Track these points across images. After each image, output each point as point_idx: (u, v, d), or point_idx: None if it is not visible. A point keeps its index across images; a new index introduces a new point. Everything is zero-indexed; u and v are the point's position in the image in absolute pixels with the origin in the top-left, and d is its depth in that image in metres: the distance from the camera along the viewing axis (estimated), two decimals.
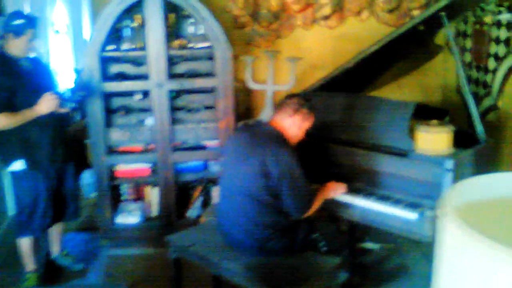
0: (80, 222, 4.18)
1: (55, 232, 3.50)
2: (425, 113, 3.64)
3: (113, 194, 3.85)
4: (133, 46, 3.56)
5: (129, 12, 3.47)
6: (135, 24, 3.55)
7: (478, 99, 3.67)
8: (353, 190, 2.86)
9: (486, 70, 3.57)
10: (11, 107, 2.94)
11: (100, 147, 3.59)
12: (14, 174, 3.11)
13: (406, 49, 3.54)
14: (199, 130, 3.63)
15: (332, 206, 2.84)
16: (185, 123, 3.68)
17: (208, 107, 3.72)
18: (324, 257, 2.66)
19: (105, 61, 3.54)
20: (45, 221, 3.22)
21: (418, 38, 3.35)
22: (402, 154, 2.76)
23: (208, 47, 3.53)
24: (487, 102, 3.59)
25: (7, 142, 3.05)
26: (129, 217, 3.79)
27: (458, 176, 2.60)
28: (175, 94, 3.67)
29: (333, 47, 4.03)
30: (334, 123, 3.11)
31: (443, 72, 4.12)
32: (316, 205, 2.68)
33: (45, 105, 2.98)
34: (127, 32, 3.55)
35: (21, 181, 3.12)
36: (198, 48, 3.56)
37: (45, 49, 6.11)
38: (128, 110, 3.68)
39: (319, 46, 4.07)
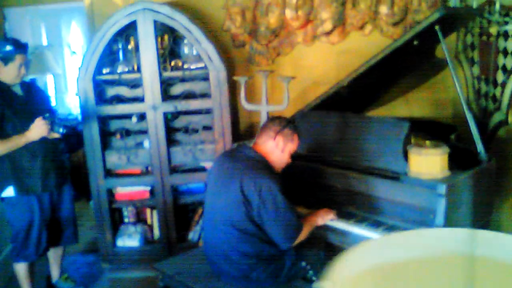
0: (84, 244, 4.20)
1: (54, 256, 3.50)
2: (433, 129, 3.51)
3: (114, 217, 3.83)
4: (128, 69, 3.54)
5: (123, 34, 3.45)
6: (130, 46, 3.53)
7: (487, 114, 3.47)
8: (345, 215, 2.73)
9: (495, 83, 3.38)
10: (2, 133, 2.96)
11: (97, 170, 3.57)
12: (6, 200, 3.12)
13: (409, 63, 3.40)
14: (196, 151, 3.57)
15: (321, 232, 2.71)
16: (183, 145, 3.63)
17: (206, 128, 3.66)
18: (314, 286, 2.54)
19: (100, 84, 3.53)
20: (40, 246, 3.21)
21: (418, 52, 3.20)
22: (394, 177, 2.62)
23: (202, 67, 3.48)
24: (497, 117, 3.39)
25: None
26: (130, 240, 3.75)
27: (453, 201, 2.44)
28: (172, 115, 3.63)
29: (336, 63, 3.90)
30: (327, 144, 2.99)
31: (453, 86, 3.93)
32: (306, 231, 2.57)
33: (36, 130, 2.98)
34: (121, 55, 3.53)
35: (14, 207, 3.13)
36: (192, 69, 3.51)
37: (62, 70, 6.23)
38: (126, 133, 3.66)
39: (322, 62, 3.95)
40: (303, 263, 2.58)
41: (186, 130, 3.64)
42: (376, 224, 2.60)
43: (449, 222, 2.42)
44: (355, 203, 2.76)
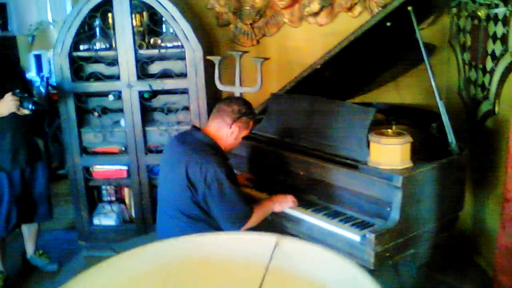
0: (66, 221, 4.22)
1: (28, 232, 3.51)
2: (416, 116, 3.35)
3: (92, 195, 3.82)
4: (106, 46, 3.48)
5: (100, 10, 3.37)
6: (109, 23, 3.47)
7: (476, 102, 3.29)
8: (305, 203, 2.62)
9: (484, 71, 3.18)
10: None
11: (73, 147, 3.55)
12: None
13: (393, 48, 3.24)
14: (172, 132, 3.49)
15: (276, 219, 2.62)
16: (158, 124, 3.56)
17: (185, 109, 3.58)
18: None
19: (77, 61, 3.48)
20: (9, 222, 3.21)
21: (400, 36, 3.03)
22: (354, 166, 2.49)
23: (179, 46, 3.39)
24: (484, 107, 3.20)
25: None
26: (106, 219, 3.74)
27: (411, 194, 2.31)
28: (150, 95, 3.56)
29: (323, 45, 3.71)
30: (295, 128, 2.88)
31: (446, 73, 3.74)
32: (258, 217, 2.47)
33: (5, 106, 2.95)
34: (98, 31, 3.47)
35: None
36: (168, 47, 3.42)
37: None
38: (103, 111, 3.61)
39: (309, 44, 3.80)
40: None
41: (162, 110, 3.57)
42: (333, 215, 2.48)
43: (406, 215, 2.29)
44: (316, 192, 2.65)
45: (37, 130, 5.13)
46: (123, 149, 3.64)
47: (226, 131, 2.45)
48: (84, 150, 3.61)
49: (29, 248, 3.57)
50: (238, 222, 2.38)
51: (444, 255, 3.10)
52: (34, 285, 3.39)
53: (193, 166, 2.31)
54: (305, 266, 1.19)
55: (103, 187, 3.84)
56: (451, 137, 2.58)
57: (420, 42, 2.63)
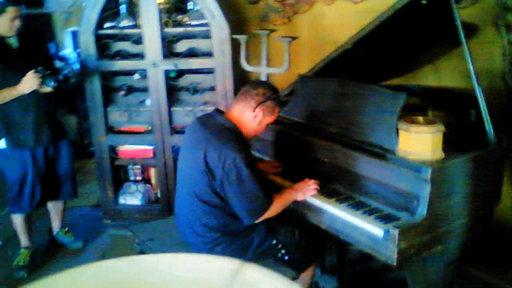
0: (95, 199, 4.23)
1: (54, 209, 3.53)
2: (456, 100, 3.14)
3: (119, 174, 3.80)
4: (132, 24, 3.40)
5: None
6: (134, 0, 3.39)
7: None
8: (328, 191, 2.49)
9: None
10: None
11: (99, 126, 3.52)
12: (1, 152, 3.13)
13: (431, 28, 3.02)
14: (198, 112, 3.41)
15: (299, 209, 2.50)
16: (185, 105, 3.48)
17: (211, 89, 3.49)
18: (282, 268, 2.37)
19: (102, 39, 3.43)
20: (34, 199, 3.23)
21: (434, 15, 2.81)
22: (381, 155, 2.34)
23: (204, 24, 3.28)
24: None
25: None
26: (131, 198, 3.72)
27: (441, 187, 2.14)
28: (177, 74, 3.48)
29: (358, 24, 3.51)
30: (323, 113, 2.74)
31: (489, 56, 3.48)
32: (278, 207, 2.37)
33: (27, 84, 2.94)
34: (125, 8, 3.39)
35: (8, 160, 3.14)
36: (194, 26, 3.32)
37: None
38: (129, 90, 3.56)
39: (342, 23, 3.60)
40: (274, 241, 2.39)
41: (188, 90, 3.48)
42: (357, 206, 2.34)
43: (435, 210, 2.13)
44: (341, 180, 2.51)
45: (70, 107, 5.19)
46: (149, 128, 3.59)
47: (249, 115, 2.33)
48: (110, 129, 3.58)
49: (55, 225, 3.60)
50: (255, 212, 2.28)
51: (479, 250, 2.92)
52: (59, 262, 3.42)
53: (211, 152, 2.21)
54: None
55: (129, 166, 3.82)
56: (488, 126, 2.38)
57: (457, 21, 2.42)
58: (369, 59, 3.20)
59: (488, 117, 2.38)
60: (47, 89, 3.01)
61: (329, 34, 3.66)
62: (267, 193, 2.29)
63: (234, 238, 2.35)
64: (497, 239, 3.22)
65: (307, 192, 2.45)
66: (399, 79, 3.66)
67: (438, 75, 3.62)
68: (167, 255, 1.36)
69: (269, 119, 2.39)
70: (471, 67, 2.43)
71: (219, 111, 2.42)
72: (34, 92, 2.99)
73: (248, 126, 2.35)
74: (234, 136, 2.28)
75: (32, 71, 2.94)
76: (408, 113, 2.39)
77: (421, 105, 3.10)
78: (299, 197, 2.45)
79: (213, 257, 1.29)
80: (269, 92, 2.36)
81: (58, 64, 3.99)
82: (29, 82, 2.93)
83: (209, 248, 2.35)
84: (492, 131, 2.38)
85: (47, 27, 5.86)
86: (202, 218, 2.32)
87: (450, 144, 2.29)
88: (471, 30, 3.10)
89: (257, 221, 2.30)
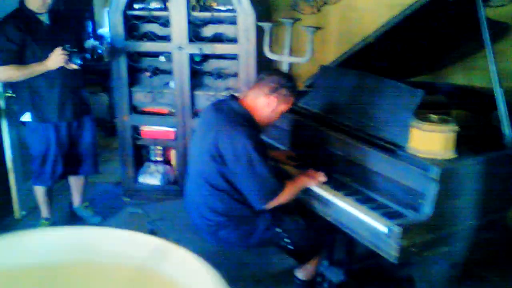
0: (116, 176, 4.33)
1: (75, 184, 3.63)
2: (483, 100, 3.05)
3: (140, 154, 3.87)
4: (161, 6, 3.44)
5: None
6: None
7: None
8: (337, 184, 2.47)
9: None
10: (21, 59, 3.04)
11: (123, 105, 3.59)
12: (26, 124, 3.24)
13: (459, 26, 2.94)
14: (220, 98, 3.43)
15: (305, 198, 2.49)
16: (208, 89, 3.51)
17: (235, 75, 3.50)
18: (285, 256, 2.37)
19: (131, 20, 3.48)
20: (55, 173, 3.33)
21: (462, 12, 2.73)
22: (391, 151, 2.30)
23: (231, 10, 3.28)
24: None
25: (19, 93, 3.18)
26: (151, 178, 3.79)
27: (449, 188, 2.09)
28: (202, 59, 3.50)
29: (389, 17, 3.49)
30: (340, 104, 2.71)
31: None
32: (290, 193, 2.36)
33: (54, 60, 3.03)
34: None
35: (32, 133, 3.25)
36: (221, 11, 3.33)
37: None
38: (154, 72, 3.61)
39: (373, 15, 3.52)
40: (278, 229, 2.40)
41: (212, 74, 3.51)
42: (364, 201, 2.32)
43: (441, 210, 2.09)
44: (351, 174, 2.49)
45: (103, 86, 5.30)
46: (172, 110, 3.63)
47: (263, 102, 2.34)
48: (134, 109, 3.65)
49: (75, 199, 3.70)
50: (266, 197, 2.28)
51: (490, 253, 2.85)
52: None
53: (222, 137, 2.23)
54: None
55: (151, 147, 3.88)
56: (505, 129, 2.31)
57: (482, 19, 2.34)
58: (395, 54, 3.14)
59: (508, 119, 2.31)
60: (73, 66, 3.09)
61: (358, 26, 3.61)
62: (278, 178, 2.30)
63: (238, 223, 2.36)
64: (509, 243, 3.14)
65: (314, 179, 2.44)
66: (427, 77, 3.59)
67: (467, 74, 3.53)
68: (94, 228, 1.42)
69: (283, 107, 2.38)
70: (493, 68, 2.36)
71: (233, 97, 2.44)
72: (61, 69, 3.08)
73: (261, 113, 2.36)
74: (246, 122, 2.29)
75: (60, 48, 3.03)
76: (430, 111, 2.34)
77: (445, 103, 3.03)
78: (310, 182, 2.44)
79: (140, 234, 1.34)
80: (283, 80, 2.36)
81: (92, 42, 4.07)
82: (56, 59, 3.02)
83: (213, 231, 2.38)
84: (509, 133, 2.30)
85: (87, 5, 6.00)
86: (209, 201, 2.34)
87: (467, 144, 2.24)
88: (502, 29, 3.00)
89: (268, 206, 2.30)
